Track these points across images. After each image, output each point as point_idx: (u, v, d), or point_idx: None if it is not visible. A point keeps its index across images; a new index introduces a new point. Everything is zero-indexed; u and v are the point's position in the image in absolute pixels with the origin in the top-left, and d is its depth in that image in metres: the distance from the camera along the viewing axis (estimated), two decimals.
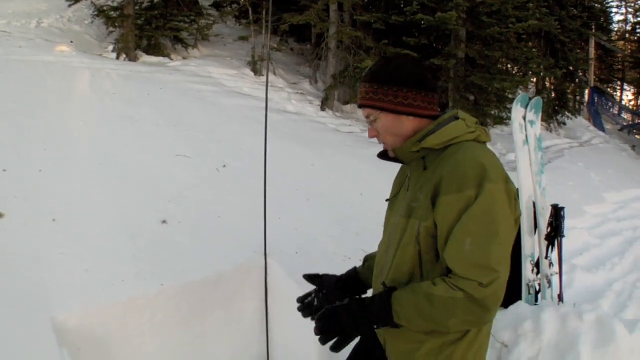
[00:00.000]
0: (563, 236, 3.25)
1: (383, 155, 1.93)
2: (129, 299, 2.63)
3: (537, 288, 3.12)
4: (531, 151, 3.20)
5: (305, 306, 2.19)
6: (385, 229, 1.97)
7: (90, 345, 2.49)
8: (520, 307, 2.76)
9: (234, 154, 4.92)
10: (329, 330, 1.71)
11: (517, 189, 1.85)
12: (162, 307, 2.76)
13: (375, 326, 1.71)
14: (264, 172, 3.08)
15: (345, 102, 10.46)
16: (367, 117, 1.88)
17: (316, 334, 1.75)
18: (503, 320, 2.13)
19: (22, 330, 2.24)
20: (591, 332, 2.56)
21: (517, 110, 3.17)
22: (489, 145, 1.82)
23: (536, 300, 3.10)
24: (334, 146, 6.96)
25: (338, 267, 2.41)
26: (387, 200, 2.02)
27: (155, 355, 2.80)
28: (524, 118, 3.21)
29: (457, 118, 1.80)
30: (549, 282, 3.16)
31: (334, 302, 1.99)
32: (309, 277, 2.25)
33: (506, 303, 2.88)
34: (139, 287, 2.72)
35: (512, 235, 1.65)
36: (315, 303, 2.19)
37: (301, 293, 2.51)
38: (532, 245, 3.08)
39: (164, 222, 3.32)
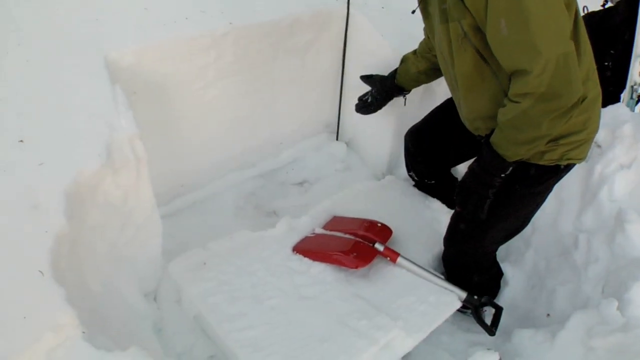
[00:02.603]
0: None
1: None
2: (192, 38, 2.29)
3: (637, 99, 2.85)
4: None
5: (362, 104, 2.55)
6: (434, 40, 1.91)
7: (147, 89, 2.24)
8: (620, 109, 2.46)
9: None
10: (466, 199, 1.85)
11: None
12: (229, 49, 2.43)
13: (502, 175, 1.75)
14: None
15: None
16: None
17: (459, 210, 1.99)
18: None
19: (74, 67, 2.00)
20: None
21: None
22: None
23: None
24: None
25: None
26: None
27: (217, 103, 2.56)
28: None
29: None
30: None
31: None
32: (364, 78, 2.55)
33: (604, 102, 2.52)
34: (204, 25, 2.35)
35: (554, 4, 1.46)
36: (370, 100, 2.52)
37: (386, 46, 2.50)
38: None
39: None
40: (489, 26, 1.50)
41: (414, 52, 2.32)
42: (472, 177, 1.81)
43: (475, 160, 1.83)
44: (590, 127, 1.74)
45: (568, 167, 1.86)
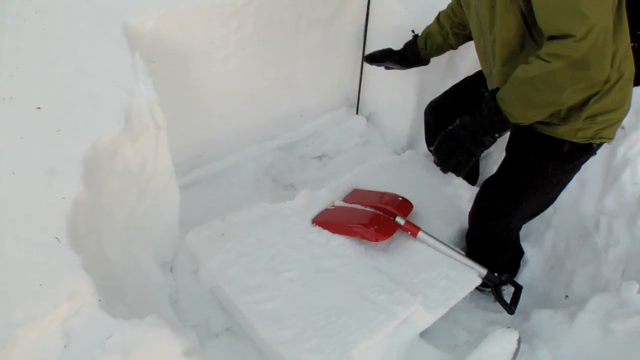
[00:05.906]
0: None
1: None
2: (213, 5, 2.18)
3: None
4: None
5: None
6: (468, 8, 1.80)
7: (166, 58, 2.15)
8: None
9: None
10: (450, 151, 1.69)
11: None
12: (251, 19, 2.32)
13: (496, 135, 1.62)
14: None
15: None
16: None
17: (438, 164, 1.75)
18: None
19: (92, 35, 1.93)
20: None
21: None
22: None
23: None
24: None
25: None
26: None
27: (237, 73, 2.46)
28: None
29: None
30: None
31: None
32: (369, 59, 2.34)
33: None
34: None
35: None
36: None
37: (409, 19, 2.31)
38: None
39: None
40: None
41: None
42: (464, 130, 1.66)
43: (469, 113, 1.69)
44: (625, 106, 1.66)
45: (599, 147, 1.79)
